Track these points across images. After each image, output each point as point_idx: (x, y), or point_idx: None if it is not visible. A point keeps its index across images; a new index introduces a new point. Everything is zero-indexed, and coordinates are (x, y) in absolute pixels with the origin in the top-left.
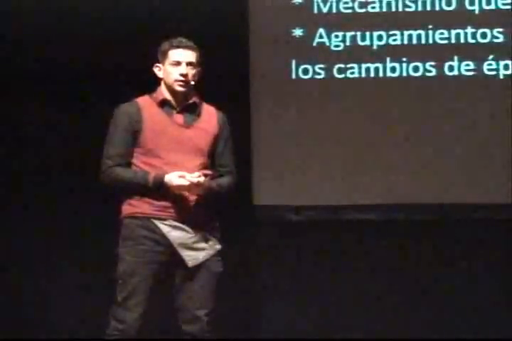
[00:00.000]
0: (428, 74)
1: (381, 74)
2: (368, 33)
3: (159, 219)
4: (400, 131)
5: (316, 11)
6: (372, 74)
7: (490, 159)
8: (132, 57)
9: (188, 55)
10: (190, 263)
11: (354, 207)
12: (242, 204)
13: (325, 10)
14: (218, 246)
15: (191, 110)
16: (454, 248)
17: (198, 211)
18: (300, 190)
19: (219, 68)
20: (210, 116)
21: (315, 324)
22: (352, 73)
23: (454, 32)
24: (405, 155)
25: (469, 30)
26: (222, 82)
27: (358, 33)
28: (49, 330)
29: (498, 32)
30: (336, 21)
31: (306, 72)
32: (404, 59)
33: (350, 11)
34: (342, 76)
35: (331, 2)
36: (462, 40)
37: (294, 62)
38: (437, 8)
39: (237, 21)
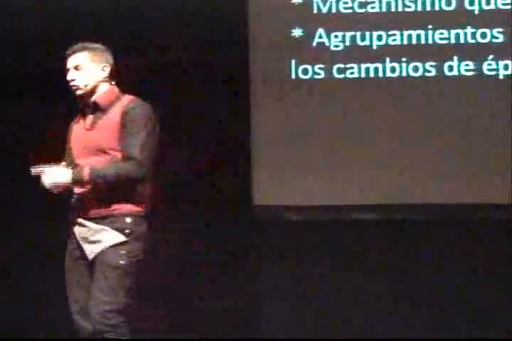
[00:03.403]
0: (428, 74)
1: (381, 74)
2: (367, 33)
3: (72, 216)
4: (400, 131)
5: (315, 10)
6: (372, 74)
7: (490, 159)
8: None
9: (73, 60)
10: (90, 257)
11: (354, 207)
12: (242, 204)
13: (325, 10)
14: (118, 239)
15: (97, 110)
16: (456, 248)
17: (91, 204)
18: (300, 190)
19: (219, 68)
20: (116, 111)
21: (314, 324)
22: (352, 73)
23: (453, 32)
24: (405, 155)
25: (469, 30)
26: (221, 82)
27: (358, 33)
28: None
29: (498, 32)
30: (336, 21)
31: (305, 72)
32: (403, 59)
33: (349, 11)
34: (342, 76)
35: (331, 2)
36: (462, 40)
37: (293, 62)
38: (437, 8)
39: (237, 21)
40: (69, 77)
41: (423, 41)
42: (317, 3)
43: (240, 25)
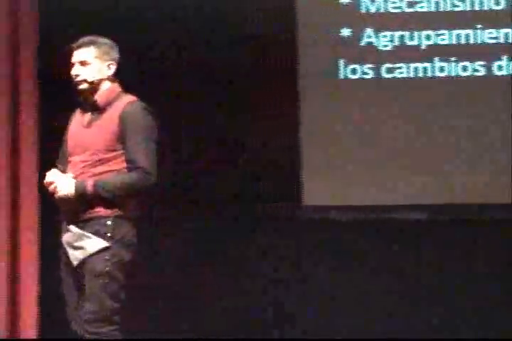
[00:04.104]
0: (476, 73)
1: (429, 73)
2: (416, 33)
3: (62, 219)
4: (449, 131)
5: (364, 10)
6: (420, 74)
7: None
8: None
9: (79, 54)
10: (74, 263)
11: (403, 206)
12: (289, 203)
13: (373, 9)
14: (100, 245)
15: (96, 109)
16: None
17: (77, 209)
18: (346, 190)
19: (267, 68)
20: (113, 113)
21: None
22: (400, 73)
23: (502, 31)
24: (455, 156)
25: None
26: (270, 82)
27: (407, 33)
28: None
29: None
30: (384, 21)
31: (354, 72)
32: (452, 58)
33: (398, 10)
34: (390, 76)
35: (379, 2)
36: (511, 40)
37: (342, 62)
38: (486, 7)
39: (285, 21)
40: (73, 72)
41: (472, 41)
42: (365, 2)
43: (288, 25)
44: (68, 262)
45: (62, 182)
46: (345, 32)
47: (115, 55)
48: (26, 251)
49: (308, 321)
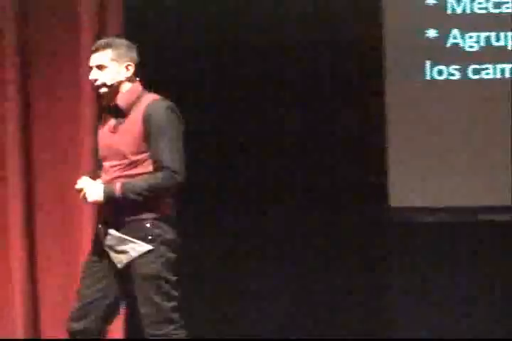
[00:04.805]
0: None
1: None
2: (502, 34)
3: (100, 223)
4: None
5: (449, 11)
6: (507, 75)
7: None
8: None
9: (96, 58)
10: (119, 266)
11: (490, 208)
12: (377, 205)
13: (459, 10)
14: (143, 248)
15: (119, 113)
16: None
17: (118, 213)
18: (434, 191)
19: (354, 69)
20: (137, 115)
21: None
22: (487, 74)
23: None
24: None
25: None
26: (356, 83)
27: (493, 34)
28: None
29: None
30: (470, 22)
31: (440, 72)
32: None
33: (484, 11)
34: (477, 77)
35: (465, 2)
36: None
37: (428, 63)
38: None
39: (372, 22)
40: (92, 76)
41: None
42: (451, 3)
43: (374, 27)
44: (99, 261)
45: (91, 188)
46: (432, 33)
47: (133, 55)
48: None
49: (409, 323)
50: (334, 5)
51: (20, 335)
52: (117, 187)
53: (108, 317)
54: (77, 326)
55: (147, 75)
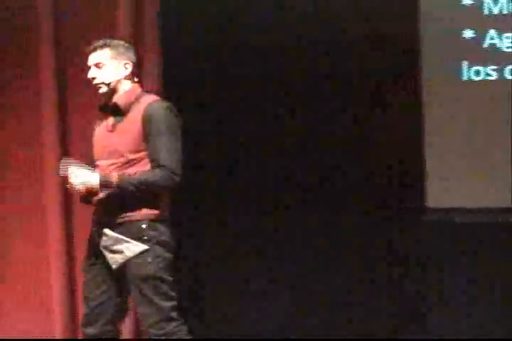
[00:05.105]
0: None
1: None
2: None
3: (95, 224)
4: None
5: (486, 11)
6: None
7: None
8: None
9: (94, 57)
10: (114, 266)
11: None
12: (413, 205)
13: (495, 11)
14: (138, 248)
15: (118, 111)
16: None
17: (112, 212)
18: (469, 192)
19: (390, 69)
20: (136, 115)
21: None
22: None
23: None
24: None
25: None
26: (393, 83)
27: None
28: None
29: None
30: (508, 22)
31: (477, 73)
32: None
33: None
34: None
35: (502, 3)
36: None
37: (465, 64)
38: None
39: (408, 22)
40: (90, 75)
41: None
42: (488, 4)
43: (410, 27)
44: (97, 262)
45: (86, 175)
46: (468, 33)
47: (131, 55)
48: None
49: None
50: (371, 4)
51: (58, 333)
52: (114, 175)
53: (118, 317)
54: (91, 331)
55: None
